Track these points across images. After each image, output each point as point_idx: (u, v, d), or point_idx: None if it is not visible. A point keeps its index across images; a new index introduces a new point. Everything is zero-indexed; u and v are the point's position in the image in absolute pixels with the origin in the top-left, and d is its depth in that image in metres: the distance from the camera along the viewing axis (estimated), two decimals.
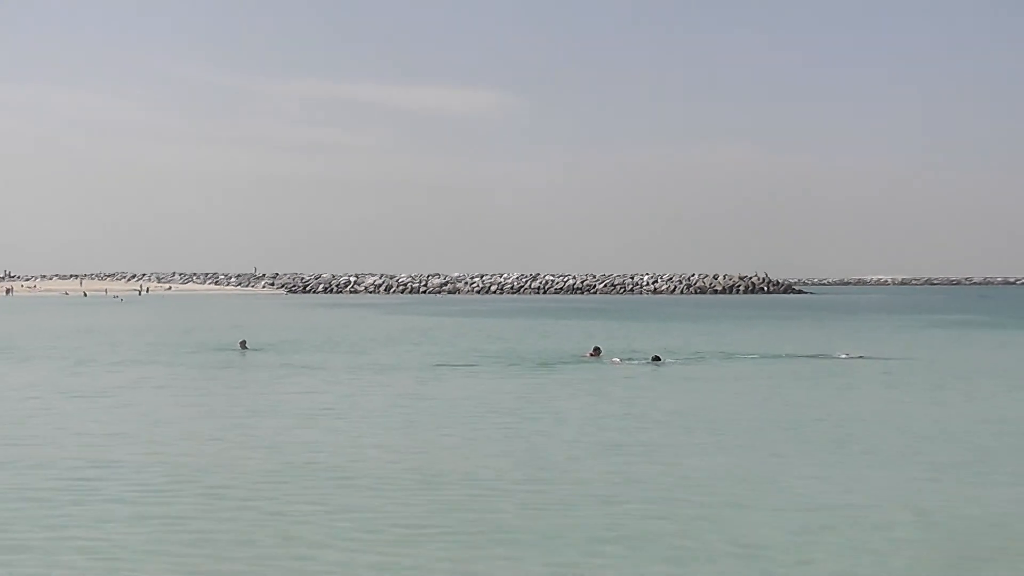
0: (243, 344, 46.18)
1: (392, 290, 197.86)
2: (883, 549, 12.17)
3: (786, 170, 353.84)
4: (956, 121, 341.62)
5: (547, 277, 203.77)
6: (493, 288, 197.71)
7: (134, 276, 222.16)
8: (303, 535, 12.81)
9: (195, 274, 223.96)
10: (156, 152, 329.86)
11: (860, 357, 40.49)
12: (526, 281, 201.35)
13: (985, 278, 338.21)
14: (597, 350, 41.05)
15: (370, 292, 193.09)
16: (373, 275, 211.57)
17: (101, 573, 11.46)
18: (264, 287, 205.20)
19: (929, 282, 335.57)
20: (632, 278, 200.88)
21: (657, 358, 38.84)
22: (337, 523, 13.42)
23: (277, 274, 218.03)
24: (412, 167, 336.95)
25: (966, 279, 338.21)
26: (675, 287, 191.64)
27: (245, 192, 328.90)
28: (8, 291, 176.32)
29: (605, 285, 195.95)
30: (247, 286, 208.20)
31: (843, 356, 41.00)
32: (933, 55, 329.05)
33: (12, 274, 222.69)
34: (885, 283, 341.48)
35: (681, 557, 11.85)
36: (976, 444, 19.81)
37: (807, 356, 41.39)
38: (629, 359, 38.93)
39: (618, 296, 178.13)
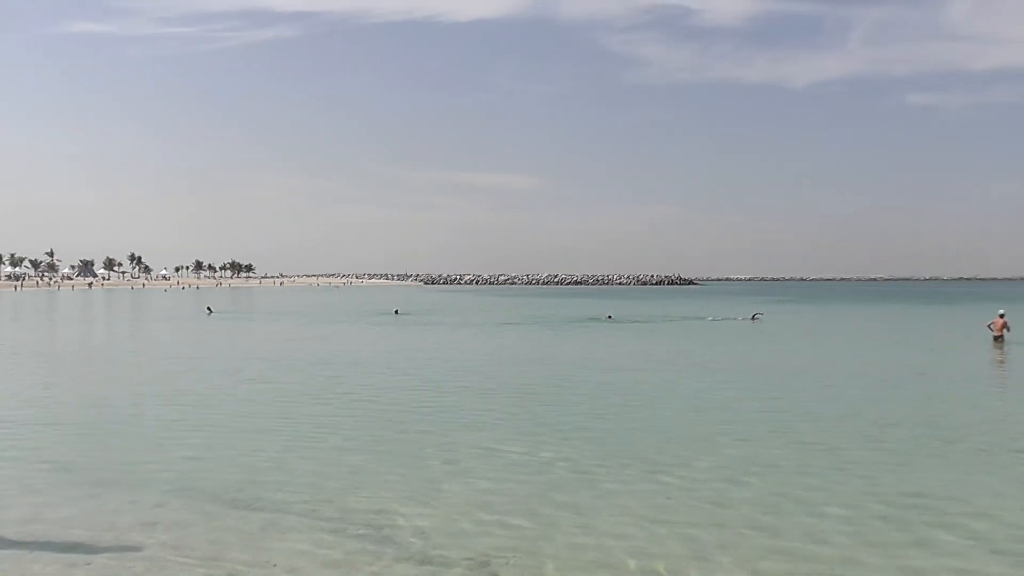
0: (396, 311, 45.75)
1: (479, 283, 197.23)
2: (734, 420, 10.81)
3: (687, 219, 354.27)
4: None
5: (562, 276, 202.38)
6: (533, 282, 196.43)
7: (344, 275, 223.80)
8: (425, 418, 11.61)
9: (375, 274, 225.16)
10: (353, 212, 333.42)
11: (755, 317, 37.89)
12: (550, 278, 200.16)
13: (801, 277, 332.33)
14: (609, 317, 39.45)
15: (468, 284, 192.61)
16: (469, 274, 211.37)
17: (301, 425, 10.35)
18: (411, 281, 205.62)
19: (763, 279, 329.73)
20: (608, 276, 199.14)
21: (609, 317, 38.96)
22: (438, 405, 12.24)
23: (418, 274, 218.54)
24: (487, 217, 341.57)
25: (791, 276, 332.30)
26: (630, 281, 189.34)
27: (403, 231, 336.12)
28: (281, 283, 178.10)
29: (594, 280, 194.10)
30: (402, 281, 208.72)
31: (755, 317, 37.60)
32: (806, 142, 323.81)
33: (283, 274, 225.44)
34: (742, 279, 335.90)
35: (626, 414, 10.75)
36: (796, 369, 18.38)
37: (703, 318, 39.80)
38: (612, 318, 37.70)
39: (601, 286, 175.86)
